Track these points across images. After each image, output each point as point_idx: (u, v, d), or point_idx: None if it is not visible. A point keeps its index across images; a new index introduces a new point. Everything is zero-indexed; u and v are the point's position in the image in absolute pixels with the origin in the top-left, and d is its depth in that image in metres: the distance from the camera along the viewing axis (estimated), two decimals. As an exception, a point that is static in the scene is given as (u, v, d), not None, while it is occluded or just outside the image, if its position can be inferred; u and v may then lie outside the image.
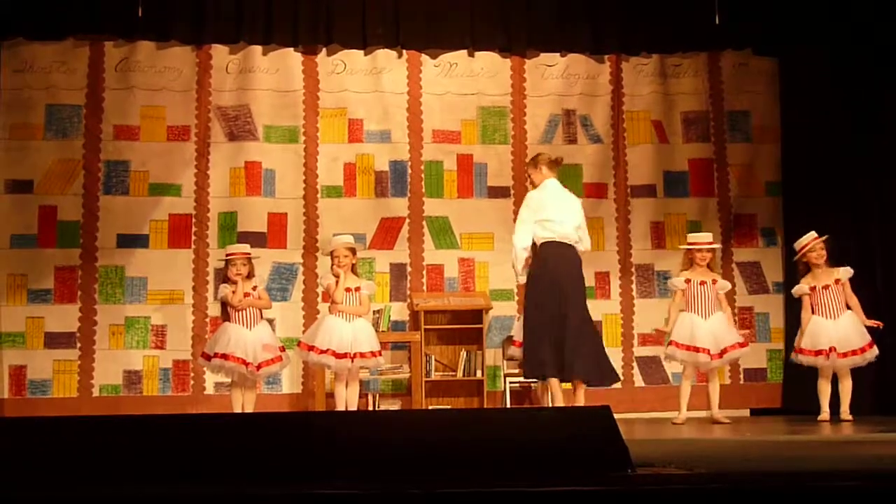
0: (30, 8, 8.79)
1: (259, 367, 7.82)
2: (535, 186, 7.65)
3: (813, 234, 8.08)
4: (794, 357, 8.14)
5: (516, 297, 8.99)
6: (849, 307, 7.98)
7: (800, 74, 9.41)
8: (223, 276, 8.05)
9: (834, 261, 8.07)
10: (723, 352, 7.90)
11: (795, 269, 8.33)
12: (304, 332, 8.57)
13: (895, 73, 8.72)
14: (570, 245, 7.39)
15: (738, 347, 7.98)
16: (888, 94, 8.80)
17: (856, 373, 7.99)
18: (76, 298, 8.85)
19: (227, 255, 8.05)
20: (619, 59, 9.60)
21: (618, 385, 8.06)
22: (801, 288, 8.11)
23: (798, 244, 8.12)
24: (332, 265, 8.03)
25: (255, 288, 7.99)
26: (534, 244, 7.41)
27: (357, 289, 7.99)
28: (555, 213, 7.39)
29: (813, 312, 8.03)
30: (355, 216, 9.19)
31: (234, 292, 7.87)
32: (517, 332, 7.95)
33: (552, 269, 7.30)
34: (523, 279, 7.51)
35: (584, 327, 7.38)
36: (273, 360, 7.90)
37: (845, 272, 8.02)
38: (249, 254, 8.07)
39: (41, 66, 9.01)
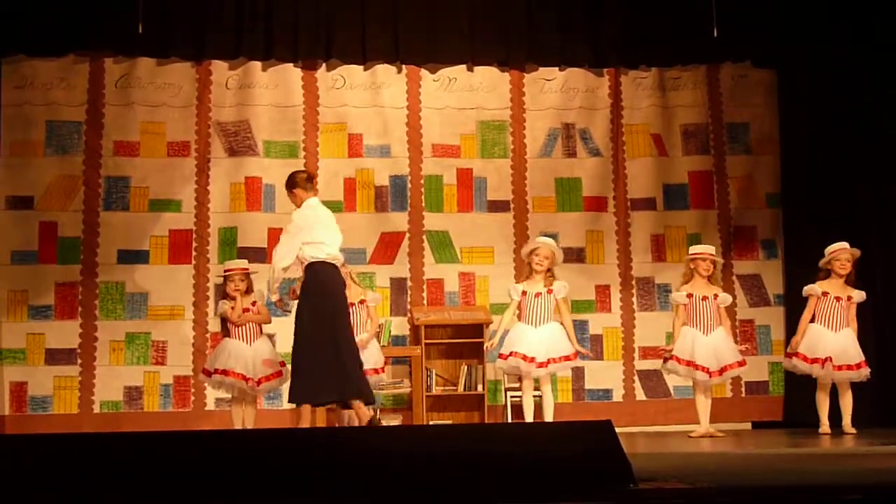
0: (30, 25, 8.80)
1: (259, 382, 7.81)
2: (297, 206, 7.42)
3: (844, 243, 8.02)
4: (789, 361, 8.08)
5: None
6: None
7: (799, 85, 9.41)
8: (223, 292, 8.05)
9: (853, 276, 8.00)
10: (722, 370, 7.88)
11: (796, 280, 8.32)
12: (304, 346, 8.54)
13: (894, 81, 8.74)
14: (337, 266, 7.28)
15: (737, 367, 7.95)
16: (887, 102, 8.82)
17: (857, 385, 7.96)
18: (77, 314, 8.84)
19: (224, 272, 8.05)
20: (618, 72, 9.61)
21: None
22: (813, 288, 8.02)
23: (827, 249, 8.02)
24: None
25: (254, 303, 7.98)
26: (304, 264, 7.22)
27: (362, 301, 8.00)
28: (323, 233, 7.26)
29: (814, 319, 8.00)
30: (355, 231, 9.15)
31: (232, 308, 7.86)
32: (505, 346, 7.96)
33: (330, 290, 7.16)
34: (276, 297, 7.39)
35: (355, 348, 7.32)
36: (273, 376, 7.88)
37: (859, 295, 7.97)
38: (247, 269, 8.07)
39: (42, 82, 9.02)
